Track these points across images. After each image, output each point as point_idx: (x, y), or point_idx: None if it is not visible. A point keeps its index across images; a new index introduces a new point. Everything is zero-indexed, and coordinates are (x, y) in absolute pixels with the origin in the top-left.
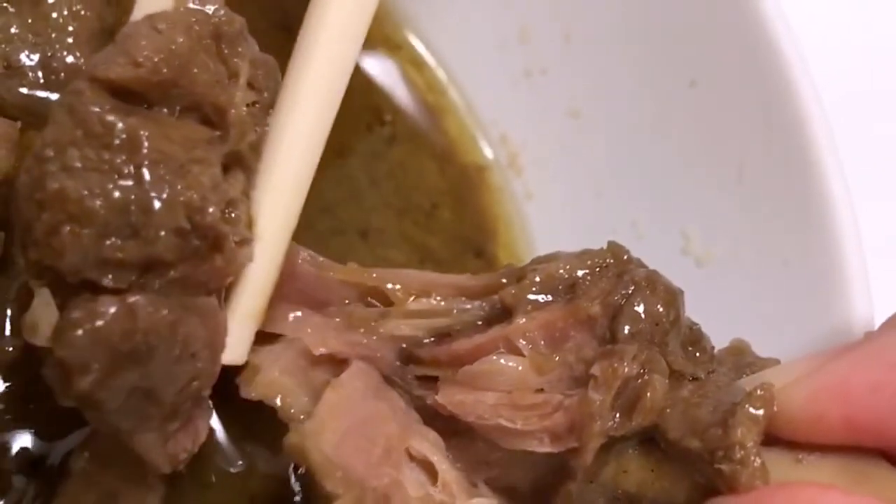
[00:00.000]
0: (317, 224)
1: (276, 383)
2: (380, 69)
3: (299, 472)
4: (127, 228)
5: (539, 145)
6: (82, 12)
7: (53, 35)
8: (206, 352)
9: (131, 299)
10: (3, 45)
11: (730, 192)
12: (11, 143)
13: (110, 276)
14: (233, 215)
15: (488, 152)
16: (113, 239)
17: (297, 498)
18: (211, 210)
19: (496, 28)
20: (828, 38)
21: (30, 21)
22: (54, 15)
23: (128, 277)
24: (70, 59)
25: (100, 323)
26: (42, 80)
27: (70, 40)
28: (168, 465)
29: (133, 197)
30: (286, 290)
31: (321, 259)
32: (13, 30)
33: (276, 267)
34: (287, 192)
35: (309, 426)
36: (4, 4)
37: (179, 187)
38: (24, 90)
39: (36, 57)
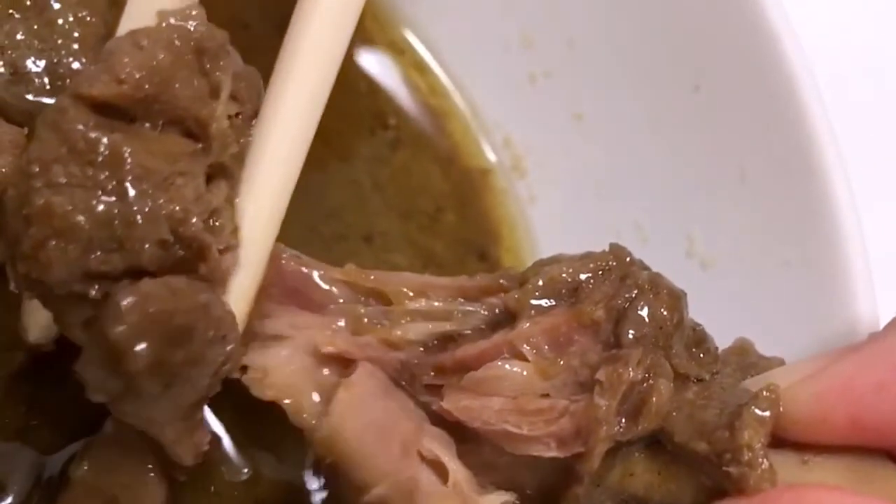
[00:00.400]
0: (322, 229)
1: (286, 384)
2: (383, 73)
3: (320, 470)
4: (111, 242)
5: (542, 148)
6: (87, 18)
7: (59, 41)
8: (233, 334)
9: (172, 281)
10: (10, 52)
11: (733, 195)
12: (19, 150)
13: (96, 287)
14: (217, 224)
15: (491, 156)
16: (98, 252)
17: (314, 499)
18: (193, 220)
19: (499, 32)
20: (829, 39)
21: (35, 27)
22: (60, 21)
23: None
24: (76, 64)
25: (149, 304)
26: (48, 87)
27: (76, 46)
28: (192, 458)
29: (116, 211)
30: (279, 291)
31: (308, 260)
32: (19, 36)
33: (259, 271)
34: (270, 199)
35: (329, 422)
36: (10, 11)
37: (162, 200)
38: (30, 96)
39: (42, 63)
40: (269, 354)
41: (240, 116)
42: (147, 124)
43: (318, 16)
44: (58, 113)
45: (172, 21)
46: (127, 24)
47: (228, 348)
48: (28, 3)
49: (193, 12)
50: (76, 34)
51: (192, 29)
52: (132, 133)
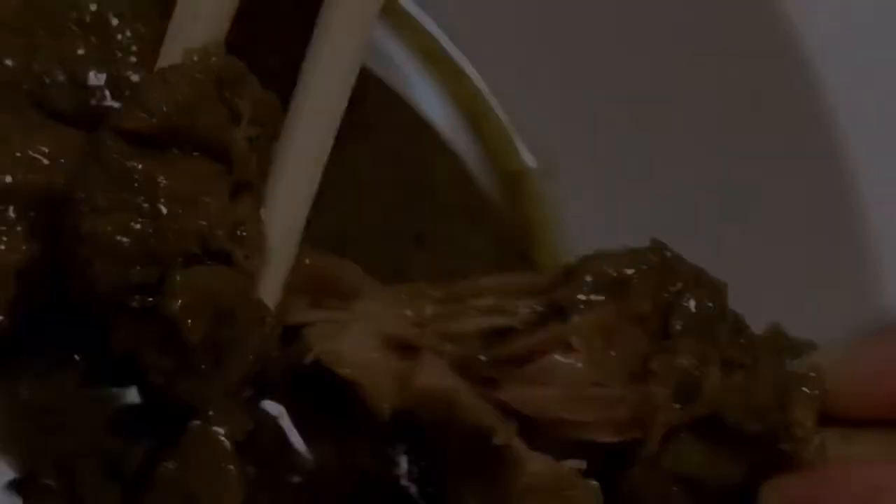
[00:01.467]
0: (377, 227)
1: (361, 364)
2: (421, 80)
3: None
4: (148, 257)
5: (575, 151)
6: (144, 31)
7: (119, 55)
8: (270, 319)
9: (216, 269)
10: (70, 65)
11: (763, 192)
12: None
13: (136, 298)
14: (244, 233)
15: (527, 158)
16: (137, 268)
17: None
18: (219, 233)
19: (533, 38)
20: (849, 39)
21: (95, 41)
22: (118, 37)
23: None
24: (135, 77)
25: (199, 284)
26: (109, 99)
27: (134, 59)
28: (241, 433)
29: (151, 231)
30: (313, 288)
31: (338, 259)
32: (80, 51)
33: (286, 270)
34: (292, 206)
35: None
36: (69, 25)
37: (190, 218)
38: (93, 102)
39: (103, 76)
40: (336, 339)
41: (260, 138)
42: (176, 150)
43: (330, 44)
44: (99, 146)
45: (195, 58)
46: (162, 63)
47: (267, 331)
48: (87, 19)
49: (214, 48)
50: (135, 48)
51: (212, 63)
52: (164, 159)
